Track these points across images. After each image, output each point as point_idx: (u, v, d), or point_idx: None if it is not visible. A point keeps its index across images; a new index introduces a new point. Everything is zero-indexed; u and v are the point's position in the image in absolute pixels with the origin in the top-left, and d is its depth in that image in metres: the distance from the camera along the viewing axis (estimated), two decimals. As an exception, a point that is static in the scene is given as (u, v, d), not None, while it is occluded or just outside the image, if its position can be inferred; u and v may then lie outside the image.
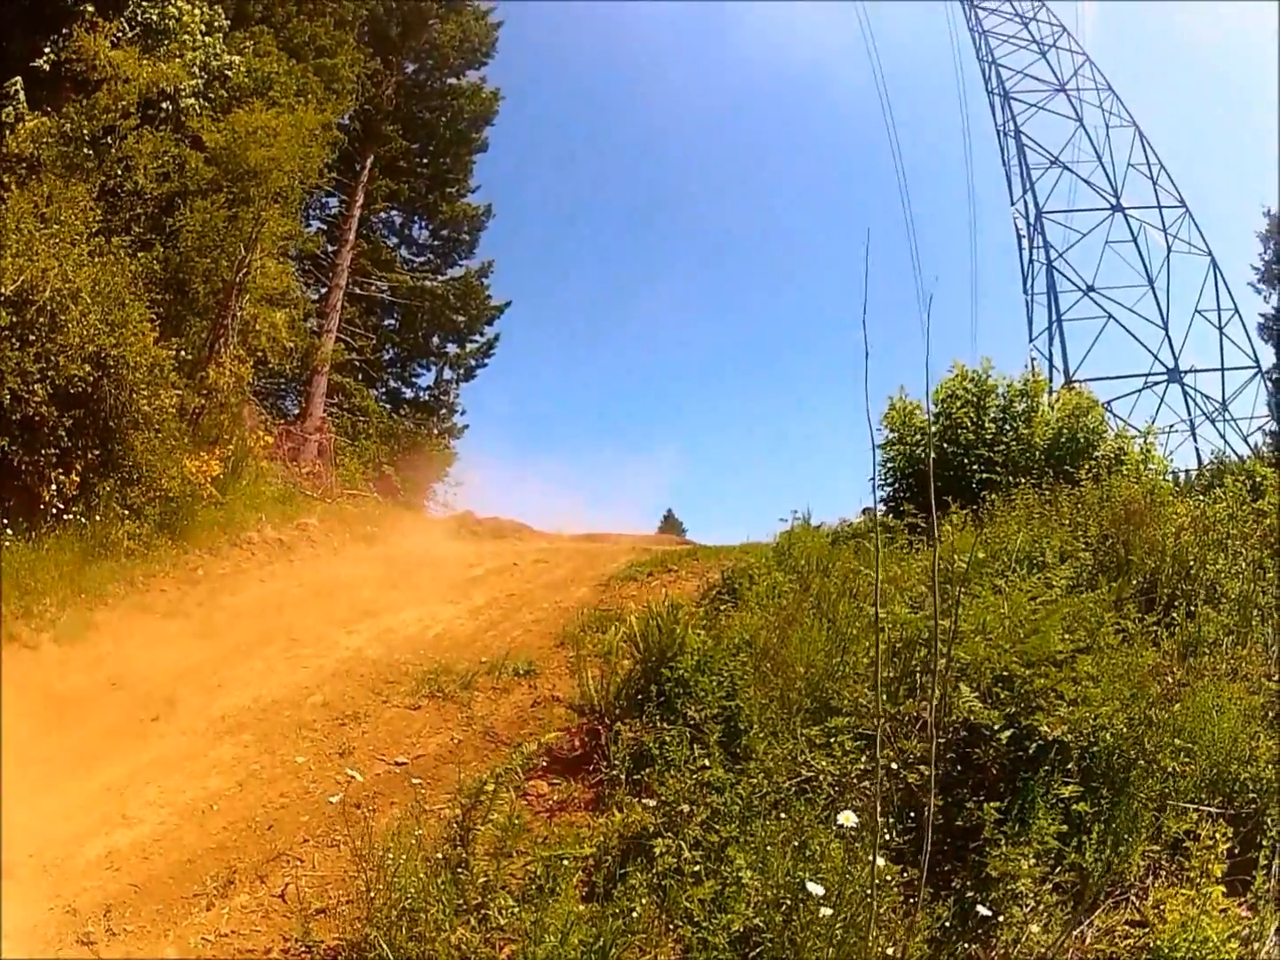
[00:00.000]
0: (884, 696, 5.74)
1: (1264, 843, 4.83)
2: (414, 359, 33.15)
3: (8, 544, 10.95)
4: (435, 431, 32.12)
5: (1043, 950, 4.19)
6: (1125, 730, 5.22)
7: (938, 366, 15.25)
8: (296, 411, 27.49)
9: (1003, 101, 44.87)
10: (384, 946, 4.09)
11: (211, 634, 10.25)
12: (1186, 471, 17.23)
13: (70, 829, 5.99)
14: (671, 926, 4.45)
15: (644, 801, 5.24)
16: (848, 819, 3.79)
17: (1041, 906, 4.40)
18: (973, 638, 5.71)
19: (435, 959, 4.10)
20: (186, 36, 17.61)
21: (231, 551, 14.22)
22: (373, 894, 4.44)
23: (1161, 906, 4.53)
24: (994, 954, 4.26)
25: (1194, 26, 70.47)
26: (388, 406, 31.08)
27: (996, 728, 5.12)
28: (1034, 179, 42.54)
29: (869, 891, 4.08)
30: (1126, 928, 4.54)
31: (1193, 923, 4.16)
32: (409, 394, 33.25)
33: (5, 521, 11.24)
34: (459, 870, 4.63)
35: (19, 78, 15.38)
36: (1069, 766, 5.09)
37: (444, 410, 33.18)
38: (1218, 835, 4.63)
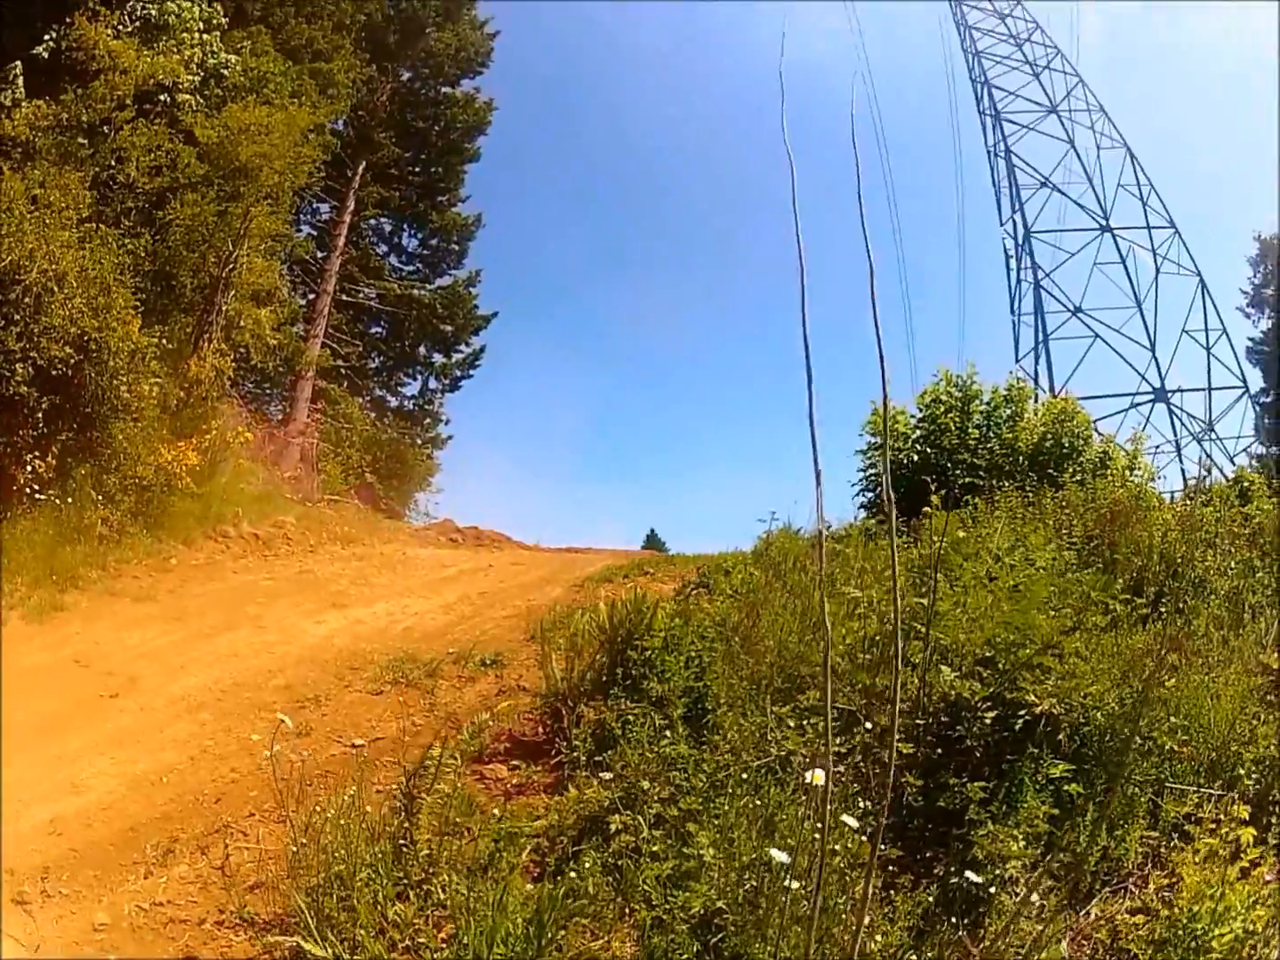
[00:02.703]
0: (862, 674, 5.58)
1: (1271, 823, 4.59)
2: (400, 368, 32.79)
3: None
4: (419, 441, 31.89)
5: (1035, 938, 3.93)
6: (1117, 708, 5.02)
7: (924, 376, 15.28)
8: (280, 417, 27.27)
9: (994, 122, 45.33)
10: (307, 914, 3.87)
11: (179, 619, 10.10)
12: (1172, 493, 17.14)
13: (16, 795, 5.77)
14: (628, 911, 4.24)
15: (601, 775, 5.05)
16: (817, 778, 3.54)
17: (1034, 896, 4.16)
18: (954, 613, 5.54)
19: (362, 930, 3.92)
20: (185, 34, 17.53)
21: (206, 543, 14.04)
22: (303, 861, 4.28)
23: (1171, 891, 4.30)
24: (980, 947, 4.01)
25: (1188, 47, 70.84)
26: (372, 414, 30.69)
27: (979, 699, 4.93)
28: (1023, 200, 42.96)
29: (840, 868, 3.91)
30: (1126, 916, 4.29)
31: (1212, 889, 3.91)
32: (394, 402, 32.96)
33: (-20, 501, 11.08)
34: (401, 844, 4.45)
35: (18, 62, 15.28)
36: (1058, 745, 4.90)
37: (429, 420, 32.93)
38: (1229, 811, 4.40)
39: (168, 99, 17.05)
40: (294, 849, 4.48)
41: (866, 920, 3.70)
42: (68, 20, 15.77)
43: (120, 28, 16.46)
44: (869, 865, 3.08)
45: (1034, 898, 4.02)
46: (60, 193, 13.43)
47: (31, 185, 13.23)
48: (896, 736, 3.49)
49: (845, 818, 3.82)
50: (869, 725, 4.94)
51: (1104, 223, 41.78)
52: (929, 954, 3.90)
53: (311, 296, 28.78)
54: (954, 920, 4.05)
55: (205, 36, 17.97)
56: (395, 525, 24.06)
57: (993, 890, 4.12)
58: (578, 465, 78.46)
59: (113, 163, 15.87)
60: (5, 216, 12.15)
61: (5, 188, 12.73)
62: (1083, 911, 4.25)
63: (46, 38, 15.72)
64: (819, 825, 3.78)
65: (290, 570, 13.65)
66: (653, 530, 44.89)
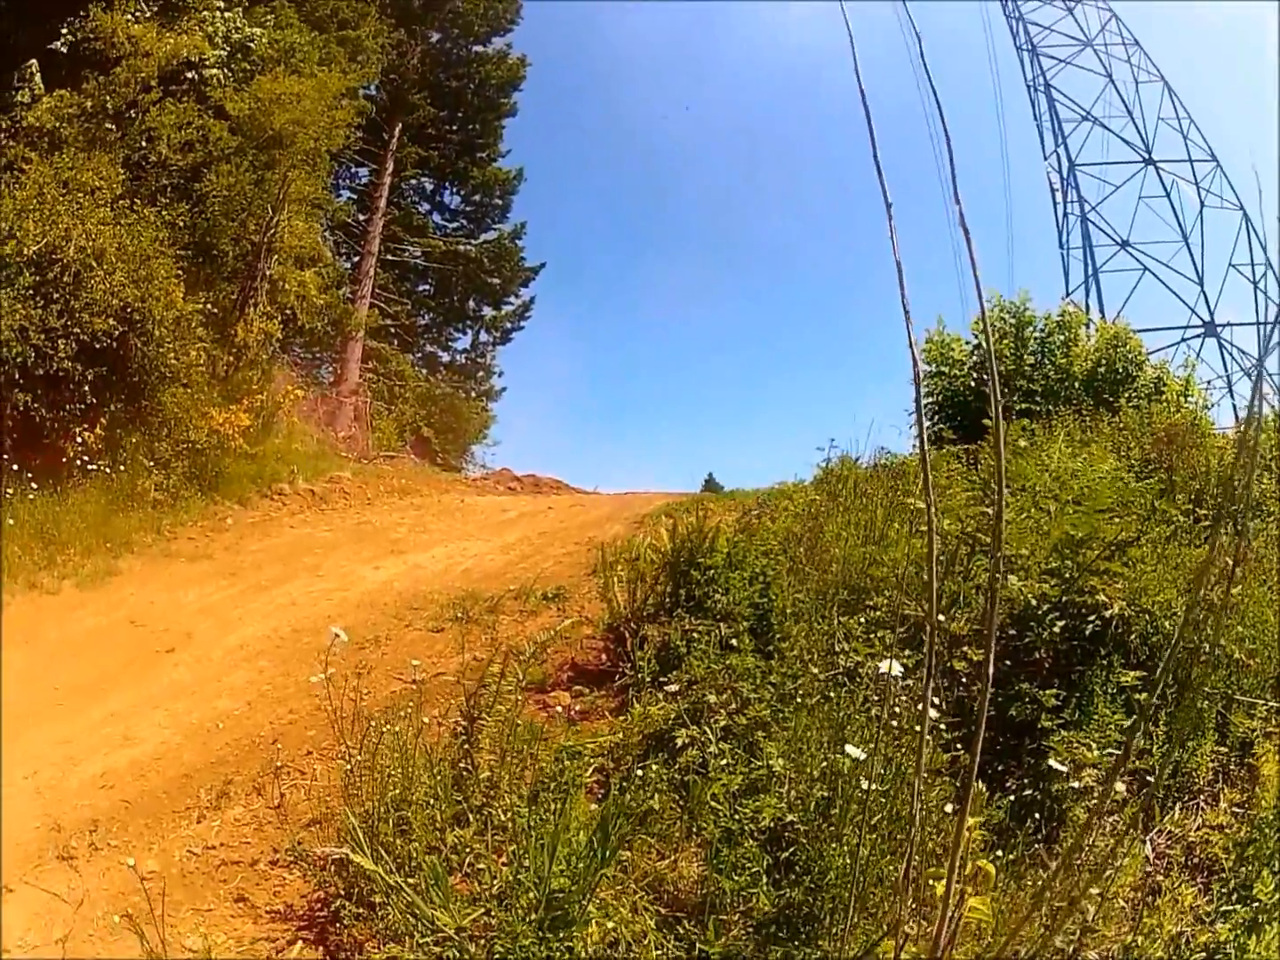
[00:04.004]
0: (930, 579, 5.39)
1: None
2: (450, 323, 32.92)
3: (31, 497, 10.79)
4: (473, 394, 31.88)
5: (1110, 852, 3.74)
6: (1182, 614, 4.81)
7: (976, 305, 15.11)
8: (332, 379, 27.34)
9: (1031, 57, 44.60)
10: (359, 836, 3.70)
11: (236, 574, 10.04)
12: (1224, 430, 16.92)
13: (68, 752, 5.78)
14: (696, 829, 4.07)
15: (666, 689, 4.86)
16: (891, 668, 3.30)
17: (1107, 804, 3.98)
18: (1020, 520, 5.34)
19: (415, 845, 3.78)
20: (206, 13, 17.34)
21: (261, 502, 13.98)
22: (358, 787, 4.21)
23: (1243, 806, 4.14)
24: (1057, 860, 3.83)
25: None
26: (424, 371, 30.84)
27: (1046, 607, 4.73)
28: (1066, 134, 42.13)
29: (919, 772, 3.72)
30: (1204, 832, 4.11)
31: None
32: (446, 358, 33.19)
33: (30, 475, 11.08)
34: (462, 768, 4.30)
35: (35, 60, 15.20)
36: (1128, 652, 4.72)
37: (481, 373, 32.97)
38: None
39: (194, 76, 16.85)
40: (349, 772, 4.34)
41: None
42: (83, 13, 15.68)
43: (138, 13, 16.31)
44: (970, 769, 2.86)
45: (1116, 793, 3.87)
46: (93, 174, 13.50)
47: (61, 171, 13.30)
48: (994, 624, 3.30)
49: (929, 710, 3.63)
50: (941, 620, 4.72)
51: (1146, 156, 40.94)
52: (1007, 859, 3.73)
53: (356, 259, 28.83)
54: (1029, 831, 3.95)
55: (227, 15, 17.76)
56: (452, 476, 24.03)
57: (1075, 787, 4.05)
58: (634, 417, 78.22)
59: (143, 143, 15.75)
60: (36, 203, 12.22)
61: (34, 174, 12.84)
62: (1156, 827, 4.16)
63: (64, 31, 15.60)
64: (893, 720, 3.61)
65: (347, 522, 13.60)
66: (710, 474, 44.65)
